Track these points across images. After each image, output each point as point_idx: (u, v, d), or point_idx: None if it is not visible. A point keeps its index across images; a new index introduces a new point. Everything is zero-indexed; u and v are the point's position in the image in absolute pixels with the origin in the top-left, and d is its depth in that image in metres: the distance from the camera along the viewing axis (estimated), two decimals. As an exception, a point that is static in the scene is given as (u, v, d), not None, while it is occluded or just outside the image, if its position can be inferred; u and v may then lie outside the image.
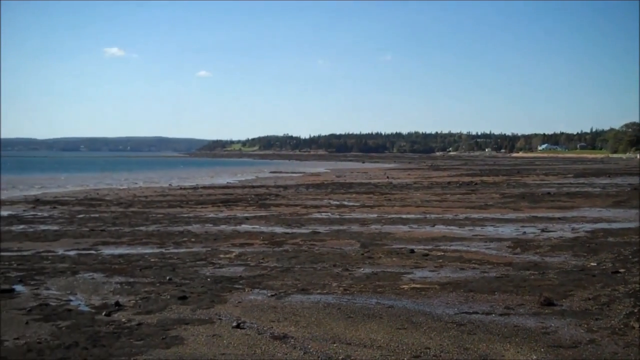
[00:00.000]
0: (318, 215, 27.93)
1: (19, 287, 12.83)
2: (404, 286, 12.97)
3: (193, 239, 20.25)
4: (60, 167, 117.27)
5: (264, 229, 23.18)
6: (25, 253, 17.60)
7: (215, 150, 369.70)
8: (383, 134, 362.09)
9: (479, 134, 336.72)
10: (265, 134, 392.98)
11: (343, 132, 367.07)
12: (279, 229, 22.91)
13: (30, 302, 11.49)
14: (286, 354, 8.64)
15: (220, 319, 10.42)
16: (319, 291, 12.50)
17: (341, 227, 23.26)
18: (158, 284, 13.14)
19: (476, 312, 10.88)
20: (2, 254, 17.42)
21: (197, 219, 26.75)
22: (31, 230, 22.99)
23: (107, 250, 18.11)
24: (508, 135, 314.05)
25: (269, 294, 12.21)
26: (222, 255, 16.94)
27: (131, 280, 13.62)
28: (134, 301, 11.64)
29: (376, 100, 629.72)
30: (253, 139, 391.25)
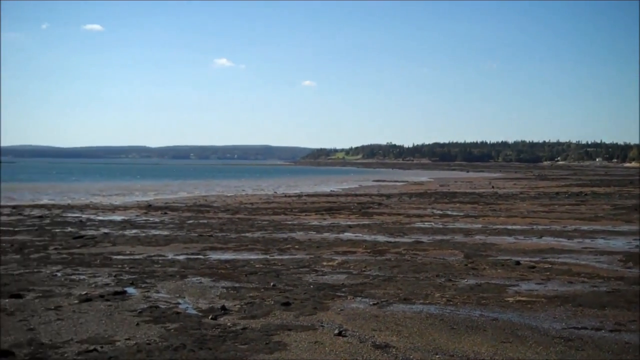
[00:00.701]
0: (421, 225, 27.73)
1: (130, 290, 13.37)
2: (509, 299, 12.70)
3: (297, 246, 20.52)
4: (172, 174, 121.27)
5: (366, 237, 23.22)
6: (137, 257, 18.33)
7: (319, 159, 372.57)
8: (488, 142, 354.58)
9: (589, 142, 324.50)
10: (369, 143, 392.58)
11: (447, 141, 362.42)
12: (381, 238, 22.89)
13: (141, 304, 11.95)
14: (387, 363, 8.62)
15: (322, 326, 10.51)
16: (421, 301, 12.41)
17: (444, 237, 23.00)
18: (262, 290, 13.39)
19: (585, 328, 10.52)
20: (116, 257, 18.20)
21: (300, 226, 27.08)
22: (143, 234, 23.91)
23: (214, 256, 18.60)
24: (620, 145, 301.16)
25: (371, 303, 12.22)
26: (324, 263, 17.08)
27: (237, 285, 13.93)
28: (239, 306, 11.90)
29: (481, 108, 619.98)
30: (356, 148, 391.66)
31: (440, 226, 27.19)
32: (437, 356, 8.94)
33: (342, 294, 13.00)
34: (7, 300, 12.02)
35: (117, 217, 31.32)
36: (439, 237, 22.97)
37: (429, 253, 19.04)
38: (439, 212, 34.83)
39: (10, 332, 9.86)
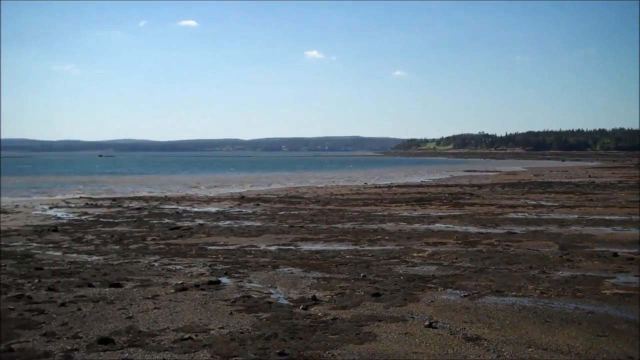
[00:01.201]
0: (514, 215, 27.18)
1: (224, 280, 13.69)
2: (605, 291, 12.31)
3: (387, 237, 20.49)
4: (264, 166, 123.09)
5: (457, 228, 22.95)
6: (230, 247, 18.73)
7: (409, 149, 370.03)
8: (585, 130, 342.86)
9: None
10: (460, 132, 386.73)
11: (541, 129, 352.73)
12: (472, 229, 22.58)
13: (235, 294, 12.22)
14: (479, 356, 8.52)
15: (412, 317, 10.47)
16: (514, 293, 12.18)
17: (538, 228, 22.48)
18: (352, 280, 13.45)
19: (687, 322, 10.08)
20: (210, 247, 18.66)
21: (391, 217, 27.02)
22: (236, 225, 24.41)
23: (305, 246, 18.80)
24: None
25: (462, 294, 12.09)
26: (415, 254, 17.00)
27: (327, 275, 14.05)
28: (329, 296, 12.00)
29: (576, 96, 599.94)
30: (447, 138, 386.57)
31: (534, 217, 26.57)
32: (530, 349, 8.77)
33: (433, 286, 12.91)
34: (107, 289, 12.52)
35: (212, 209, 32.08)
36: (532, 228, 22.46)
37: (522, 244, 18.66)
38: (532, 202, 34.04)
39: (110, 320, 10.27)
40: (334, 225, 24.01)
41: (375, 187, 51.10)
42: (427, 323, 9.97)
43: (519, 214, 27.93)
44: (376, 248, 18.30)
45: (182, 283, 13.12)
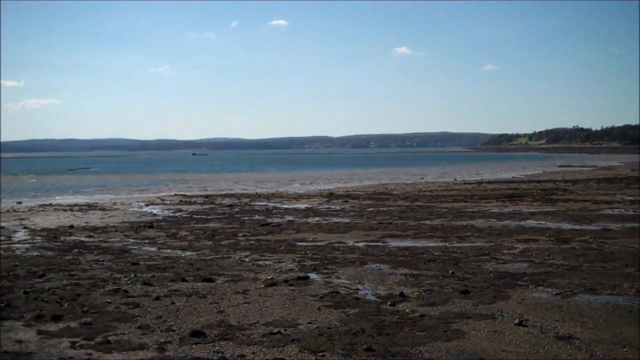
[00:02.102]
0: (609, 212, 26.31)
1: (313, 275, 13.84)
2: None
3: (476, 234, 20.21)
4: (352, 163, 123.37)
5: (550, 224, 22.40)
6: (319, 243, 18.89)
7: (500, 145, 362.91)
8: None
9: None
10: (553, 127, 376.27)
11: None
12: (566, 225, 21.99)
13: (323, 290, 12.33)
14: (570, 355, 8.32)
15: (502, 315, 10.31)
16: (608, 292, 11.82)
17: (635, 225, 21.67)
18: (441, 277, 13.35)
19: None
20: (299, 244, 18.88)
21: (480, 213, 26.63)
22: (325, 222, 24.58)
23: (394, 243, 18.77)
24: None
25: (553, 292, 11.81)
26: (505, 251, 16.70)
27: (415, 272, 13.99)
28: (417, 293, 11.95)
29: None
30: (540, 132, 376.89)
31: (631, 213, 25.64)
32: (624, 350, 8.49)
33: (524, 283, 12.67)
34: (199, 284, 12.87)
35: (301, 206, 32.40)
36: (629, 225, 21.68)
37: (617, 241, 18.04)
38: (629, 198, 32.85)
39: (202, 313, 10.56)
40: (422, 222, 23.86)
41: (465, 183, 50.43)
42: (517, 321, 9.80)
43: (615, 210, 27.03)
44: (465, 245, 18.08)
45: (271, 278, 13.34)
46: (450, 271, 13.94)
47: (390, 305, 11.02)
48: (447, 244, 18.25)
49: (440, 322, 9.85)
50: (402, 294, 11.73)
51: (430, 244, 18.35)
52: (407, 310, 10.64)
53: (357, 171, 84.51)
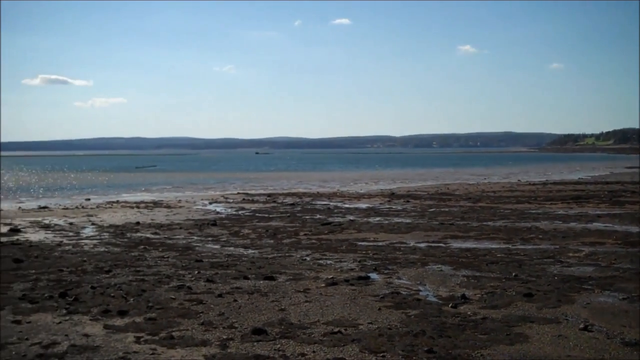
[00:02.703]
0: (682, 215, 25.46)
1: (373, 275, 13.82)
2: None
3: (540, 236, 19.85)
4: (415, 163, 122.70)
5: (617, 227, 21.83)
6: (380, 243, 18.86)
7: (566, 145, 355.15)
8: None
9: None
10: (621, 127, 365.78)
11: None
12: (634, 228, 21.39)
13: (383, 290, 12.31)
14: (638, 362, 8.11)
15: (566, 319, 10.11)
16: (679, 298, 11.46)
17: None
18: (504, 280, 13.16)
19: None
20: (360, 243, 18.88)
21: (545, 215, 26.14)
22: (386, 222, 24.51)
23: (455, 244, 18.60)
24: None
25: (620, 297, 11.52)
26: (570, 254, 16.36)
27: (477, 274, 13.83)
28: (479, 295, 11.82)
29: None
30: (607, 132, 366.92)
31: None
32: (696, 358, 8.24)
33: (589, 287, 12.39)
34: (261, 282, 13.00)
35: (362, 205, 32.39)
36: (702, 229, 20.97)
37: (690, 246, 17.47)
38: (703, 201, 31.75)
39: (263, 311, 10.67)
40: (485, 223, 23.56)
41: (529, 184, 49.56)
42: (582, 326, 9.60)
43: (688, 213, 26.16)
44: (529, 247, 17.78)
45: (332, 278, 13.37)
46: (514, 274, 13.73)
47: (451, 307, 10.92)
48: (510, 246, 17.99)
49: (502, 326, 9.72)
50: (464, 296, 11.62)
51: (493, 246, 18.11)
52: (468, 313, 10.53)
53: (419, 171, 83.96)
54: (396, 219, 25.47)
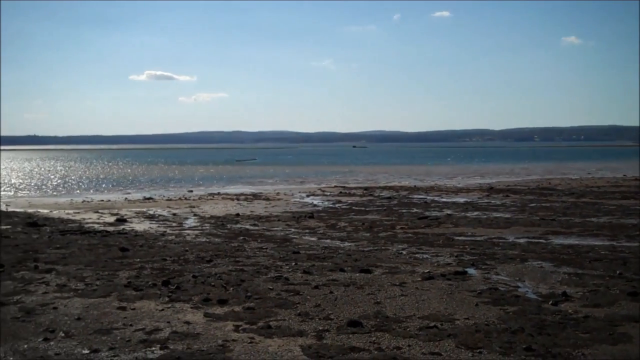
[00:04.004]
0: None
1: (471, 270, 13.64)
2: None
3: (649, 233, 19.04)
4: (515, 157, 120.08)
5: None
6: (478, 238, 18.58)
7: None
8: None
9: None
10: None
11: None
12: None
13: (481, 285, 12.13)
14: None
15: (674, 320, 9.68)
16: None
17: None
18: (607, 278, 12.71)
19: None
20: (457, 238, 18.66)
21: (654, 212, 25.06)
22: (484, 216, 24.12)
23: (557, 240, 18.10)
24: None
25: None
26: (680, 253, 15.62)
27: (579, 271, 13.41)
28: (581, 293, 11.47)
29: None
30: None
31: None
32: None
33: (700, 287, 11.81)
34: (357, 275, 13.05)
35: (460, 199, 31.99)
36: None
37: None
38: None
39: (359, 304, 10.72)
40: (588, 219, 22.82)
41: (636, 179, 47.60)
42: (691, 327, 9.18)
43: None
44: (635, 244, 17.09)
45: (428, 272, 13.29)
46: (618, 272, 13.24)
47: (551, 304, 10.65)
48: (614, 243, 17.35)
49: (605, 325, 9.41)
50: (564, 294, 11.31)
51: (597, 243, 17.52)
52: (569, 311, 10.24)
53: (519, 165, 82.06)
54: (495, 214, 25.02)
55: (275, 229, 21.23)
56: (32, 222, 22.57)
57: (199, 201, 32.65)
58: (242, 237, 18.92)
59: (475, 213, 25.45)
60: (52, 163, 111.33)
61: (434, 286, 12.04)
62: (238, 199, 33.42)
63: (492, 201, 30.77)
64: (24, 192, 42.95)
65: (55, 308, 10.45)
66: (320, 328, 9.28)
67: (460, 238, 18.68)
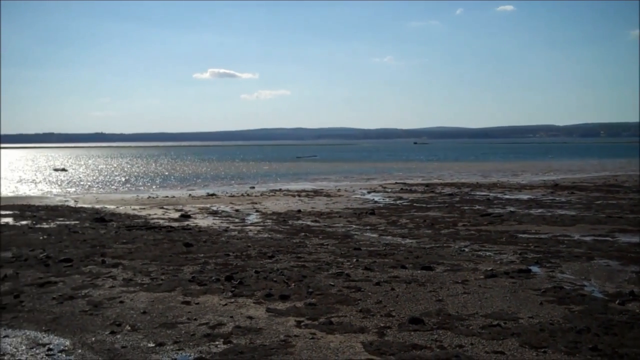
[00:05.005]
0: None
1: (535, 269, 13.42)
2: None
3: None
4: (582, 153, 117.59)
5: None
6: (542, 236, 18.25)
7: None
8: None
9: None
10: None
11: None
12: None
13: (545, 284, 11.92)
14: None
15: None
16: None
17: None
18: (678, 278, 12.35)
19: None
20: (521, 235, 18.37)
21: None
22: (549, 214, 23.68)
23: (624, 238, 17.65)
24: None
25: None
26: None
27: (648, 270, 13.07)
28: (650, 293, 11.17)
29: None
30: None
31: None
32: None
33: None
34: (419, 272, 12.99)
35: (523, 196, 31.48)
36: None
37: None
38: None
39: (421, 301, 10.67)
40: (658, 217, 22.18)
41: None
42: None
43: None
44: None
45: (491, 270, 13.14)
46: (690, 271, 12.86)
47: (618, 303, 10.41)
48: (686, 242, 16.84)
49: (675, 325, 9.15)
50: (632, 293, 11.03)
51: (667, 241, 17.03)
52: (637, 310, 9.99)
53: (584, 161, 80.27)
54: (559, 211, 24.54)
55: (337, 225, 21.28)
56: (100, 217, 23.18)
57: (260, 197, 32.98)
58: (303, 234, 19.03)
59: (540, 210, 25.01)
60: (118, 160, 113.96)
61: (497, 284, 11.90)
62: (299, 196, 33.63)
63: (557, 198, 30.18)
64: (92, 188, 44.10)
65: (121, 302, 10.73)
66: (382, 325, 9.28)
67: (523, 236, 18.39)
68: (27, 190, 42.77)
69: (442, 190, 35.86)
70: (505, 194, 32.91)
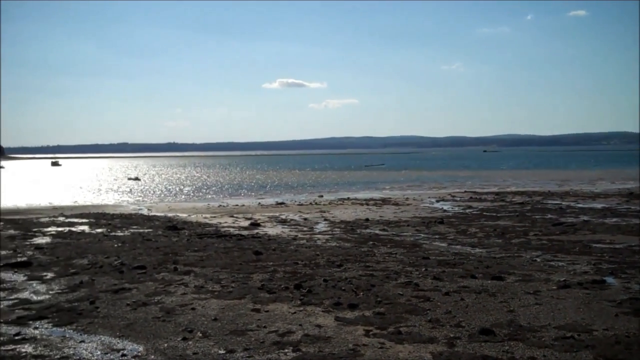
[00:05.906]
0: None
1: (610, 279, 13.05)
2: None
3: None
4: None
5: None
6: (617, 246, 17.75)
7: None
8: None
9: None
10: None
11: None
12: None
13: (621, 295, 11.58)
14: None
15: None
16: None
17: None
18: None
19: None
20: (595, 245, 17.90)
21: None
22: (624, 223, 23.01)
23: None
24: None
25: None
26: None
27: None
28: None
29: None
30: None
31: None
32: None
33: None
34: (489, 282, 12.81)
35: (597, 205, 30.70)
36: None
37: None
38: None
39: (491, 311, 10.51)
40: None
41: None
42: None
43: None
44: None
45: (564, 280, 12.85)
46: None
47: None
48: None
49: None
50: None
51: None
52: None
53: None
54: (635, 220, 23.81)
55: (405, 234, 21.17)
56: (172, 225, 23.68)
57: (329, 206, 33.09)
58: (371, 242, 19.01)
59: (614, 219, 24.34)
60: (189, 169, 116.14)
61: (570, 295, 11.63)
62: (367, 204, 33.60)
63: (633, 207, 29.31)
64: (165, 197, 45.07)
65: (193, 309, 10.92)
66: (452, 335, 9.19)
67: (598, 245, 17.93)
68: (104, 198, 44.05)
69: (513, 199, 35.28)
70: (579, 203, 32.15)
